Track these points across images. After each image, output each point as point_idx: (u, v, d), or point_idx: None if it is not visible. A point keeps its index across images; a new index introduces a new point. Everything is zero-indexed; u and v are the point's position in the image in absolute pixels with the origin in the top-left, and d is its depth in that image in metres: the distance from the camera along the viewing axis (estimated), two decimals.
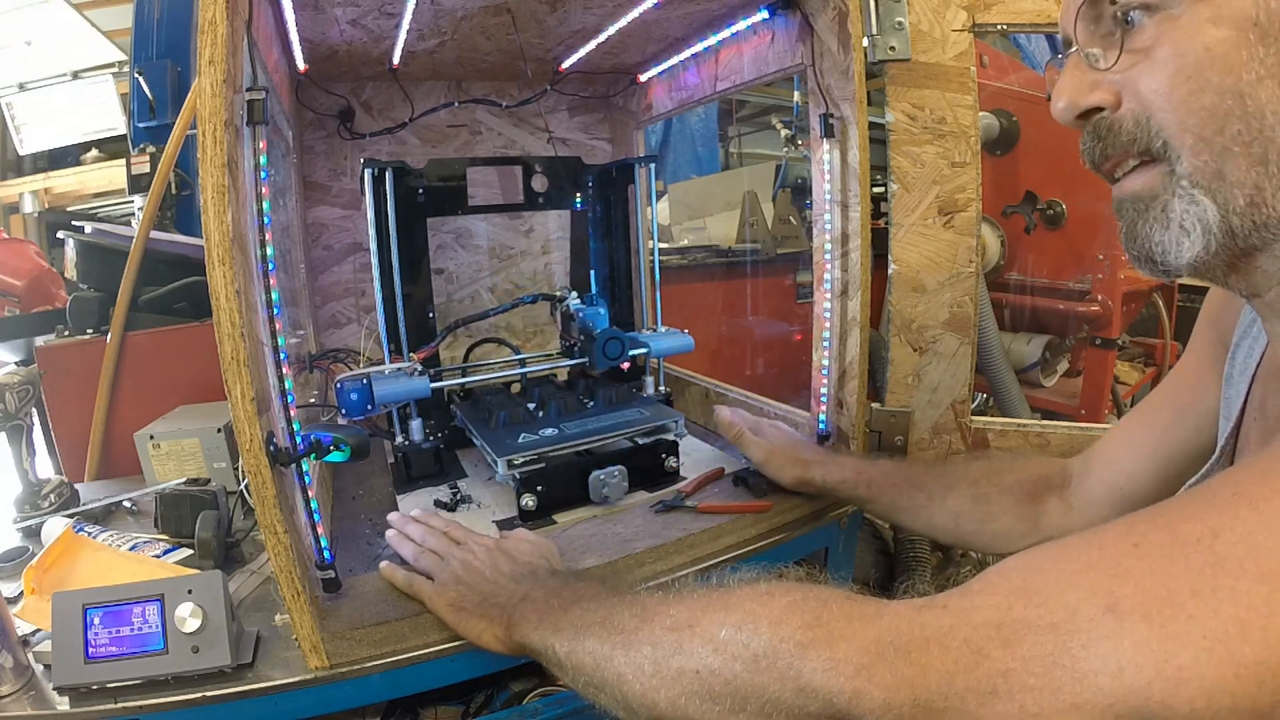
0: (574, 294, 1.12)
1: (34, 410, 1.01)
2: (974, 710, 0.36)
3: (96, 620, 0.61)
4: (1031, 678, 0.35)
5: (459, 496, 0.97)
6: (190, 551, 0.82)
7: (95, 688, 0.61)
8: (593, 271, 1.22)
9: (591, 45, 1.16)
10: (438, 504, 0.95)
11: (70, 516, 0.93)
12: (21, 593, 0.71)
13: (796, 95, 3.06)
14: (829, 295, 0.97)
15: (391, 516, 0.85)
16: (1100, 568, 0.35)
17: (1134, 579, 0.34)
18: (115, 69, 3.18)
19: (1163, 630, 0.32)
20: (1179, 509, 0.36)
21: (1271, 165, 0.39)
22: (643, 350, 1.12)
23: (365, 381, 0.92)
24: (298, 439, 0.67)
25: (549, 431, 0.96)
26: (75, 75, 3.24)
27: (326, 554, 0.72)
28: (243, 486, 0.94)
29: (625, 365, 1.09)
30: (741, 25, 1.03)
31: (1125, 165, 0.45)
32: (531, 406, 1.05)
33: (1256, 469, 0.35)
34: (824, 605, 0.45)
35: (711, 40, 1.11)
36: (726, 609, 0.48)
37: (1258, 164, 0.39)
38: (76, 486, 1.03)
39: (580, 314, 1.07)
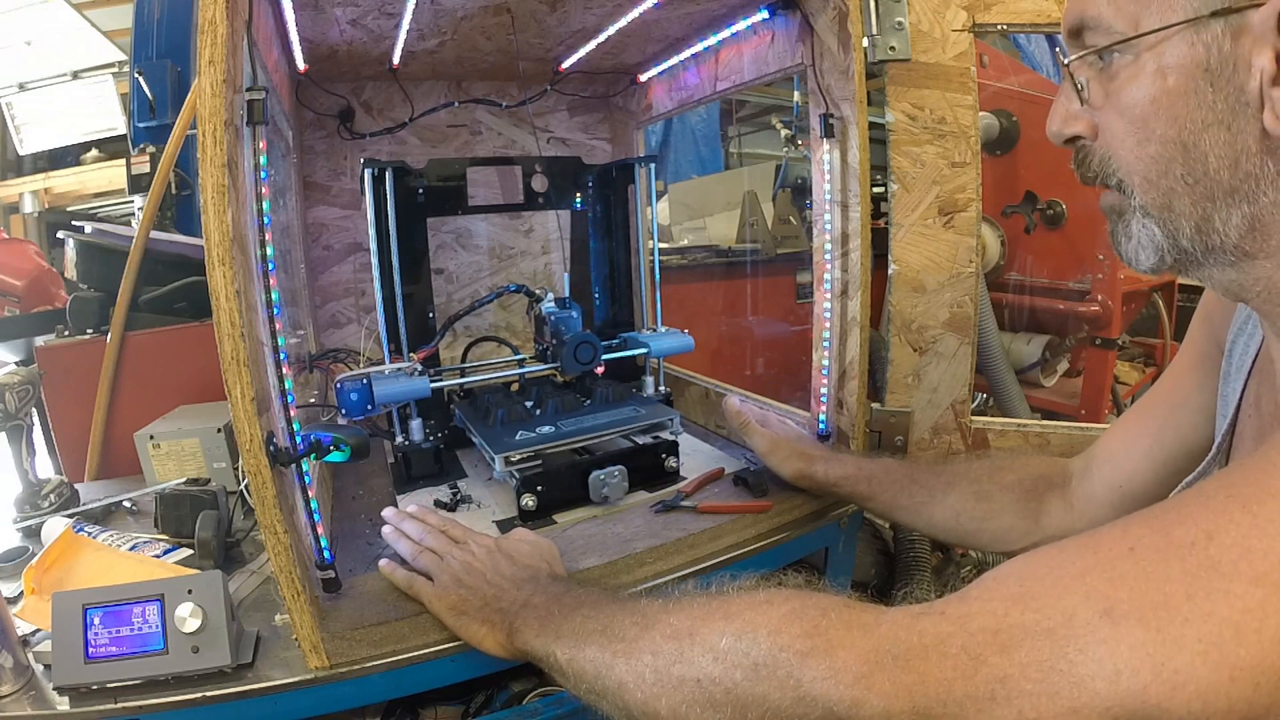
0: (550, 296, 1.11)
1: (34, 410, 1.01)
2: (973, 716, 0.36)
3: (96, 620, 0.61)
4: (1029, 683, 0.35)
5: (459, 496, 0.97)
6: (190, 551, 0.82)
7: (95, 688, 0.61)
8: (566, 275, 1.21)
9: (591, 45, 1.16)
10: (438, 504, 0.95)
11: (70, 516, 0.93)
12: (21, 593, 0.71)
13: (796, 95, 3.06)
14: (829, 295, 0.97)
15: (387, 512, 0.84)
16: (1096, 572, 0.36)
17: (1129, 583, 0.34)
18: (115, 69, 3.19)
19: (1158, 634, 0.32)
20: (1173, 512, 0.36)
21: (1219, 201, 0.41)
22: (643, 350, 1.12)
23: (365, 381, 0.92)
24: (298, 439, 0.67)
25: (546, 429, 0.96)
26: (75, 75, 3.24)
27: (326, 554, 0.72)
28: (243, 486, 0.94)
29: (600, 369, 1.08)
30: (741, 25, 1.03)
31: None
32: (529, 405, 1.05)
33: (1250, 471, 0.35)
34: (823, 614, 0.45)
35: (711, 40, 1.11)
36: (726, 617, 0.48)
37: (1204, 200, 0.42)
38: (76, 486, 1.03)
39: (552, 317, 1.07)
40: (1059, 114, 0.49)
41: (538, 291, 1.13)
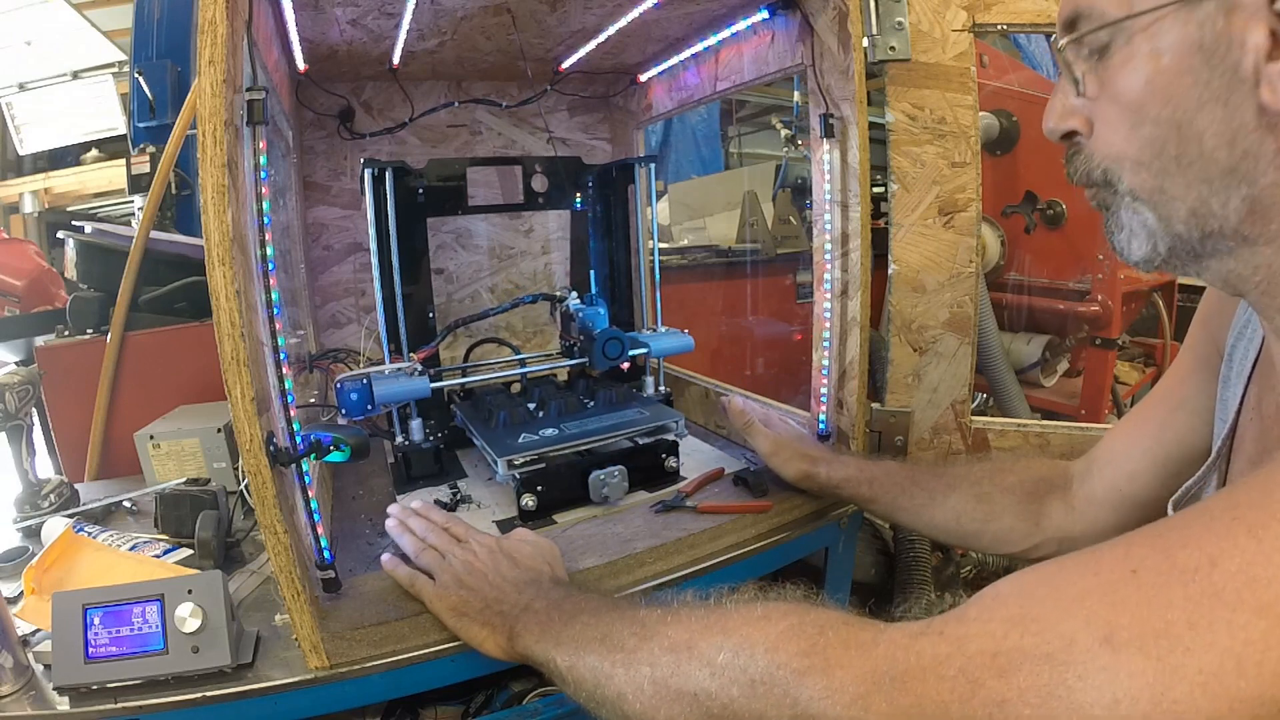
0: (574, 294, 1.12)
1: (34, 410, 1.01)
2: None
3: (96, 620, 0.61)
4: (1027, 708, 0.34)
5: (459, 496, 0.97)
6: (190, 551, 0.82)
7: (95, 688, 0.61)
8: (592, 271, 1.22)
9: (591, 45, 1.16)
10: (438, 504, 0.95)
11: (70, 516, 0.93)
12: (21, 593, 0.71)
13: (796, 95, 3.06)
14: (829, 295, 0.97)
15: (392, 508, 0.84)
16: (1097, 595, 0.35)
17: (1130, 608, 0.34)
18: (115, 69, 3.19)
19: (1159, 663, 0.32)
20: (1177, 532, 0.36)
21: (1215, 183, 0.41)
22: (643, 350, 1.12)
23: (365, 381, 0.92)
24: (298, 439, 0.67)
25: (549, 431, 0.96)
26: (75, 75, 3.24)
27: (326, 554, 0.72)
28: (243, 486, 0.94)
29: (625, 365, 1.09)
30: (741, 25, 1.03)
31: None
32: (531, 407, 1.05)
33: (1255, 492, 0.34)
34: (820, 631, 0.45)
35: (711, 40, 1.11)
36: (724, 632, 0.48)
37: (1199, 181, 0.41)
38: (76, 486, 1.03)
39: (580, 314, 1.07)
40: (1055, 109, 0.48)
41: (559, 293, 1.13)
